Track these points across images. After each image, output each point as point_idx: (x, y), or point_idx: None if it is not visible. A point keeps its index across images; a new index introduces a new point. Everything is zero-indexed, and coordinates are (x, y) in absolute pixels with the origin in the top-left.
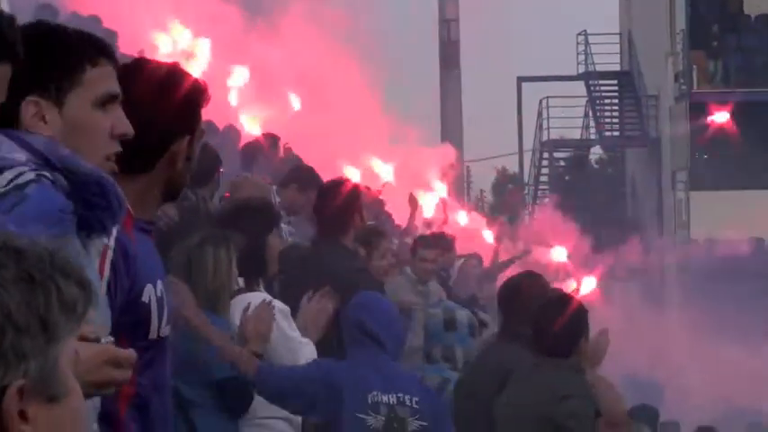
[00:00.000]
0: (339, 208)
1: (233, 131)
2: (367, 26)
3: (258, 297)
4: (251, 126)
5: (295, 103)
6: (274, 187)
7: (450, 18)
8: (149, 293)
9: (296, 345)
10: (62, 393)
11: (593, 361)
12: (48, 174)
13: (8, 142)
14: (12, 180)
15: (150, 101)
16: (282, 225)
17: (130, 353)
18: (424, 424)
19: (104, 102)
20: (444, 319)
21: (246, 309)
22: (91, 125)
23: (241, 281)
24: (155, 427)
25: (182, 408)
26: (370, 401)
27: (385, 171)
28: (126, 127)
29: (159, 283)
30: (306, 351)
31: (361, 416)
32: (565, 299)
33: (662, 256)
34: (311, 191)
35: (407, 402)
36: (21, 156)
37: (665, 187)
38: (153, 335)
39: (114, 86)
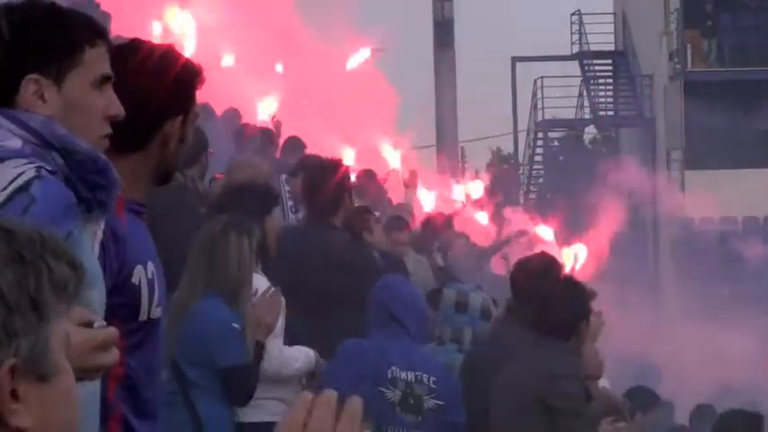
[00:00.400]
0: (331, 189)
1: (235, 115)
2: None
3: (261, 282)
4: (262, 112)
5: (279, 67)
6: (284, 176)
7: None
8: (139, 275)
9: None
10: (53, 373)
11: (590, 340)
12: (46, 165)
13: (2, 129)
14: (12, 181)
15: (144, 81)
16: (291, 214)
17: (111, 331)
18: (440, 403)
19: (101, 82)
20: (456, 301)
21: (254, 294)
22: (88, 105)
23: None
24: (145, 408)
25: (184, 388)
26: (389, 376)
27: (393, 157)
28: (118, 108)
29: (150, 265)
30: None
31: (380, 389)
32: (570, 282)
33: (656, 235)
34: None
35: (425, 381)
36: (16, 142)
37: (659, 166)
38: (143, 316)
39: (108, 68)
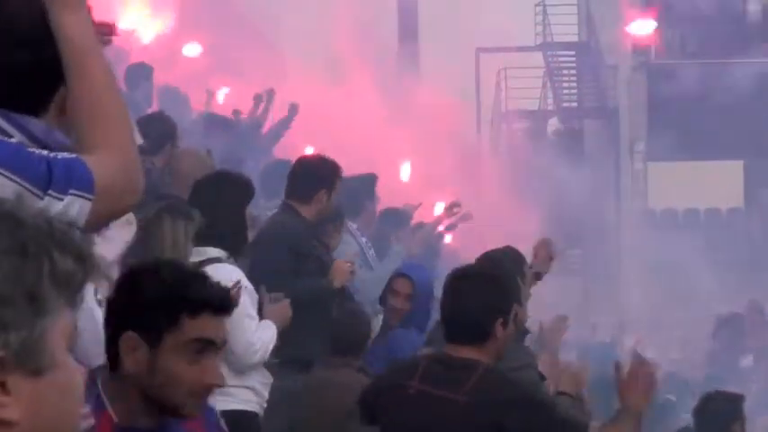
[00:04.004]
0: (307, 177)
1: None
2: None
3: (231, 272)
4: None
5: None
6: (354, 225)
7: None
8: None
9: (251, 324)
10: (48, 367)
11: (551, 345)
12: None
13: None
14: None
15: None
16: (368, 251)
17: None
18: None
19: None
20: None
21: (237, 284)
22: None
23: (216, 251)
24: None
25: None
26: None
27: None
28: None
29: None
30: (264, 334)
31: None
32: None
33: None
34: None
35: None
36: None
37: (622, 158)
38: None
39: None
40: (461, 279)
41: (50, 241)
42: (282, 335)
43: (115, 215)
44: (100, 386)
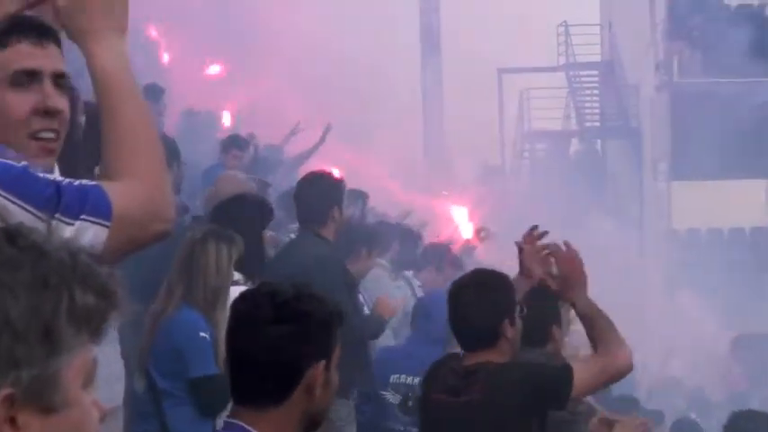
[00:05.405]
0: (318, 198)
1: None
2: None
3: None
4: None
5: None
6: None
7: (432, 8)
8: None
9: None
10: (61, 405)
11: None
12: None
13: None
14: None
15: None
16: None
17: None
18: None
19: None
20: None
21: None
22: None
23: (234, 274)
24: None
25: (156, 399)
26: (391, 381)
27: (459, 213)
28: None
29: None
30: None
31: (382, 393)
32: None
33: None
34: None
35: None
36: None
37: (645, 177)
38: None
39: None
40: (462, 288)
41: (72, 275)
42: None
43: (141, 244)
44: None
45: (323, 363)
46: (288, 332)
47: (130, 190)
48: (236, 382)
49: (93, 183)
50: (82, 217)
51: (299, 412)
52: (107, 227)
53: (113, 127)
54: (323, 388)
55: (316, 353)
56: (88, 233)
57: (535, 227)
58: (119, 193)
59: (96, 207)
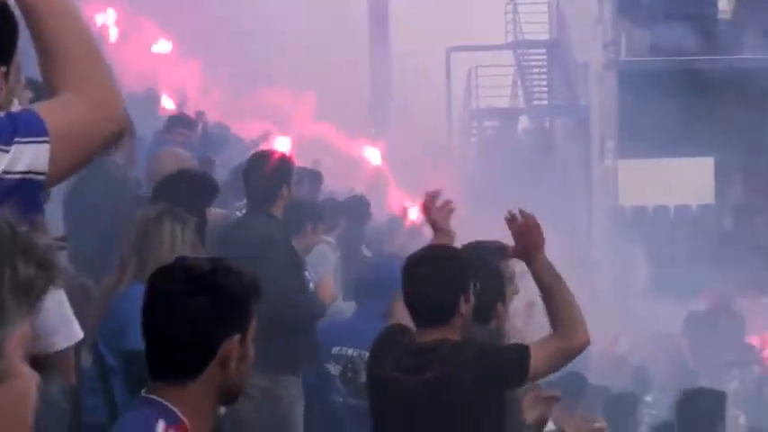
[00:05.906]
0: (267, 177)
1: (153, 95)
2: None
3: None
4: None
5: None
6: None
7: None
8: None
9: None
10: (4, 376)
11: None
12: None
13: None
14: None
15: None
16: None
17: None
18: None
19: None
20: None
21: None
22: None
23: None
24: None
25: (102, 373)
26: (333, 352)
27: (373, 155)
28: None
29: None
30: None
31: (325, 365)
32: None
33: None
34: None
35: (366, 357)
36: None
37: (593, 155)
38: None
39: None
40: (418, 264)
41: (13, 248)
42: (274, 349)
43: (98, 147)
44: None
45: (238, 336)
46: (202, 305)
47: (68, 101)
48: (152, 356)
49: (23, 109)
50: (15, 140)
51: (215, 386)
52: (45, 142)
53: (46, 40)
54: (238, 361)
55: (231, 327)
56: (26, 155)
57: (437, 192)
58: (54, 108)
59: (27, 127)
